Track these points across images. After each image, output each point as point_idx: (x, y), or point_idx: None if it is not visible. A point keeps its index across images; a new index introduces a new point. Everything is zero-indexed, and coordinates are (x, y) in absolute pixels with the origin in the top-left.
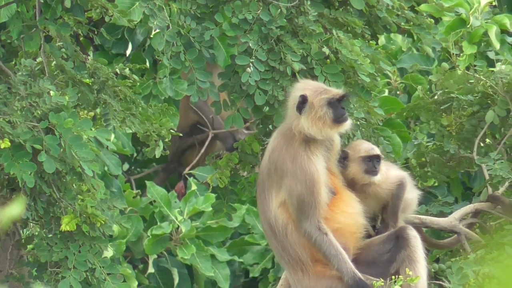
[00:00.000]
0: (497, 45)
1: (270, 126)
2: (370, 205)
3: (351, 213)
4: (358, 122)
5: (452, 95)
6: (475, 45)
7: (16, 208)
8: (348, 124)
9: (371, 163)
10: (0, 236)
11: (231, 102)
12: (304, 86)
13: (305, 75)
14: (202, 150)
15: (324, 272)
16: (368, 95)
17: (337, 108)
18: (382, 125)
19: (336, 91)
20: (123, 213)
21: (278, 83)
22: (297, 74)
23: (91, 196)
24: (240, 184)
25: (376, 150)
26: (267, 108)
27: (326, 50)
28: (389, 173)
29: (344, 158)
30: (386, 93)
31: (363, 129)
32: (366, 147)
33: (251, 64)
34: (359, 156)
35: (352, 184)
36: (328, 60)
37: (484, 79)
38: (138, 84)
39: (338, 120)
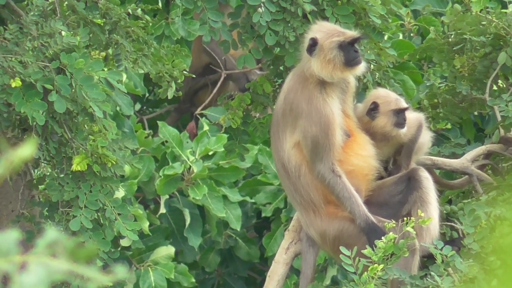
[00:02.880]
0: None
1: (281, 67)
2: (386, 149)
3: (364, 156)
4: (370, 64)
5: (464, 36)
6: None
7: (27, 149)
8: (361, 67)
9: (401, 116)
10: (12, 177)
11: (242, 42)
12: (318, 28)
13: (316, 16)
14: (215, 90)
15: (336, 214)
16: (380, 36)
17: (349, 51)
18: (396, 69)
19: (350, 33)
20: (134, 154)
21: (289, 24)
22: (308, 15)
23: (102, 137)
24: (252, 125)
25: (404, 103)
26: (278, 49)
27: None
28: (409, 117)
29: (372, 110)
30: (401, 37)
31: (374, 71)
32: (396, 99)
33: (262, 5)
34: (390, 110)
35: (372, 132)
36: (339, 1)
37: (496, 20)
38: (150, 24)
39: (349, 63)
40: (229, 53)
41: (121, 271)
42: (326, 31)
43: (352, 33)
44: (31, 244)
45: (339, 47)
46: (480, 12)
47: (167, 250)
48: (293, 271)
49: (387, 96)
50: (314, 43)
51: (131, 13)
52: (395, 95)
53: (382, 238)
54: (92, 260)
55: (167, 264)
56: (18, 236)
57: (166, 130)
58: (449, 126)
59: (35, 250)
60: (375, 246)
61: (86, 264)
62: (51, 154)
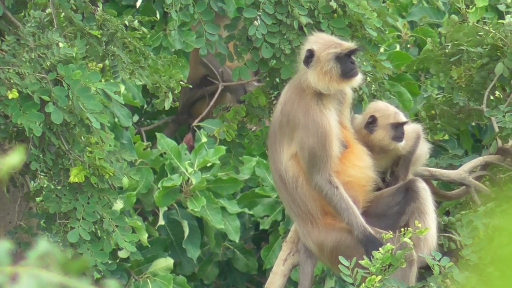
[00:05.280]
0: None
1: (277, 79)
2: (384, 160)
3: (361, 167)
4: (366, 76)
5: (461, 47)
6: None
7: (15, 157)
8: (358, 79)
9: (399, 129)
10: (9, 188)
11: (237, 54)
12: (315, 40)
13: (312, 28)
14: (212, 102)
15: (333, 225)
16: (375, 48)
17: (346, 63)
18: (393, 80)
19: (346, 45)
20: (133, 165)
21: (285, 37)
22: (304, 27)
23: (100, 148)
24: (247, 137)
25: (403, 116)
26: (274, 61)
27: (333, 4)
28: (407, 128)
29: (371, 123)
30: (398, 48)
31: (370, 83)
32: (394, 113)
33: (258, 17)
34: (389, 123)
35: (370, 145)
36: (335, 14)
37: (493, 31)
38: (148, 36)
39: (346, 75)
40: (226, 65)
41: (113, 284)
42: (323, 43)
43: (349, 44)
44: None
45: (336, 58)
46: (477, 23)
47: (165, 262)
48: (291, 282)
49: (386, 110)
50: (310, 54)
51: (128, 24)
52: (394, 109)
53: (380, 249)
54: (85, 272)
55: (166, 276)
56: (9, 246)
57: (165, 142)
58: (446, 137)
59: (26, 261)
60: (373, 257)
61: (79, 276)
62: (48, 166)
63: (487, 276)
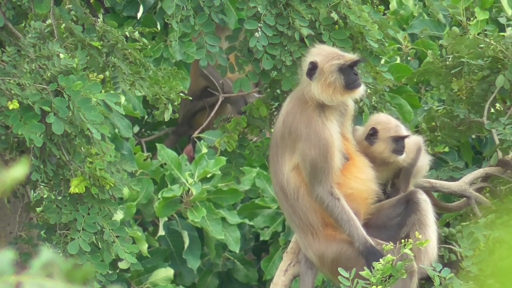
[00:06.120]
0: (508, 11)
1: (278, 91)
2: (385, 172)
3: (363, 179)
4: (367, 88)
5: (462, 59)
6: (487, 11)
7: (19, 169)
8: (361, 90)
9: (400, 143)
10: (10, 199)
11: (238, 66)
12: (317, 52)
13: (313, 40)
14: (212, 113)
15: (334, 236)
16: (376, 60)
17: (349, 74)
18: (393, 93)
19: (349, 56)
20: (133, 176)
21: (286, 48)
22: (305, 39)
23: (100, 159)
24: (248, 148)
25: (405, 130)
26: (275, 73)
27: (334, 15)
28: (408, 141)
29: (371, 135)
30: (398, 61)
31: (371, 95)
32: (396, 126)
33: (259, 29)
34: (389, 136)
35: (372, 157)
36: (336, 26)
37: (494, 43)
38: (149, 47)
39: (349, 86)
40: (226, 76)
41: None
42: (326, 54)
43: (352, 56)
44: (28, 266)
45: (339, 70)
46: (478, 35)
47: (166, 272)
48: None
49: (387, 122)
50: (313, 66)
51: (128, 35)
52: (395, 122)
53: (380, 260)
54: (88, 281)
55: (166, 286)
56: (13, 256)
57: (165, 153)
58: (447, 149)
59: (30, 270)
60: (374, 268)
61: (82, 285)
62: (49, 177)
63: None
